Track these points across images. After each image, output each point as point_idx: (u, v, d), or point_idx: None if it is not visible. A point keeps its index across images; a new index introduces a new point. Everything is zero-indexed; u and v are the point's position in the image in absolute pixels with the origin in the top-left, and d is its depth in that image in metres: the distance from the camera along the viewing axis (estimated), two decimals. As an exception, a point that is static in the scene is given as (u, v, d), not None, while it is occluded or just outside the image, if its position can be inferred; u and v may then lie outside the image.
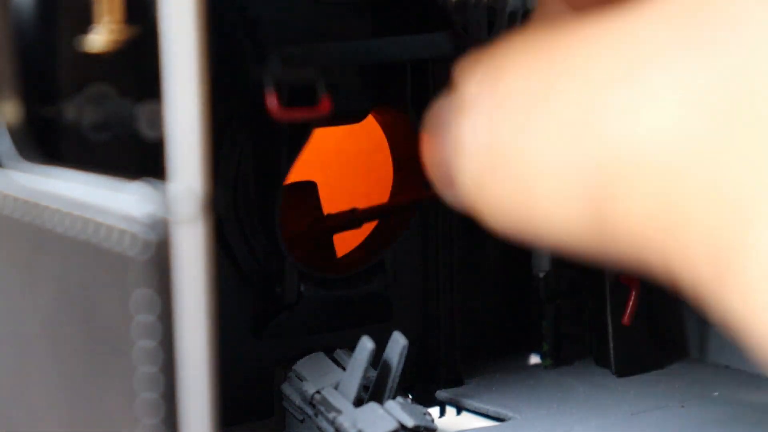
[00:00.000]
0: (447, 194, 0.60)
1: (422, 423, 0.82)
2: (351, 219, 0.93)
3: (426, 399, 0.95)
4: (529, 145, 0.52)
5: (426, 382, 0.96)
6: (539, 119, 0.52)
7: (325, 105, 0.82)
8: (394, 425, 0.81)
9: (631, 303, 0.95)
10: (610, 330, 0.96)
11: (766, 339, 0.44)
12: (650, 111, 0.47)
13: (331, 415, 0.83)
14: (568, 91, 0.51)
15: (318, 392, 0.85)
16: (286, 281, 0.88)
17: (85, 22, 0.74)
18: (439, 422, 0.93)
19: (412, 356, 0.87)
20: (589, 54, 0.51)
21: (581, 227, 0.51)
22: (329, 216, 0.93)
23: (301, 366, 0.89)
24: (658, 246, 0.47)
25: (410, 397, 0.94)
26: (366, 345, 0.83)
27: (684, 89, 0.46)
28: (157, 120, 0.73)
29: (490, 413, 0.92)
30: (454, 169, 0.58)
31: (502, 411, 0.91)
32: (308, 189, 0.93)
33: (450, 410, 0.96)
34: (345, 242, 0.96)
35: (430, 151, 0.60)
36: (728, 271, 0.44)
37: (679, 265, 0.47)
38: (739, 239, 0.44)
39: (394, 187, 0.95)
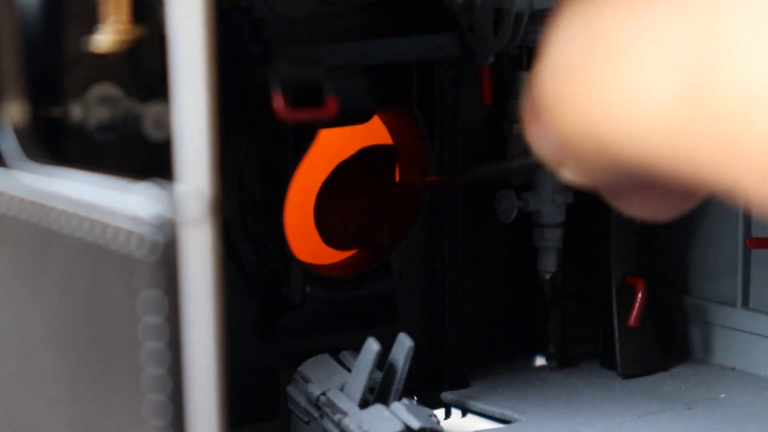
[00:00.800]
0: (529, 129, 0.57)
1: (428, 425, 0.82)
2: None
3: (431, 401, 0.95)
4: (630, 30, 0.50)
5: (431, 384, 0.96)
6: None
7: (331, 105, 0.82)
8: (399, 427, 0.81)
9: (637, 305, 0.95)
10: (616, 332, 0.96)
11: None
12: None
13: (337, 417, 0.82)
14: None
15: (323, 394, 0.85)
16: (291, 282, 0.88)
17: (91, 22, 0.74)
18: (444, 424, 0.93)
19: (417, 358, 0.87)
20: None
21: (671, 120, 0.47)
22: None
23: (307, 367, 0.89)
24: (755, 129, 0.44)
25: (416, 398, 0.93)
26: (372, 346, 0.83)
27: None
28: (164, 120, 0.73)
29: (495, 415, 0.92)
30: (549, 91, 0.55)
31: (507, 413, 0.91)
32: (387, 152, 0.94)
33: (455, 412, 0.95)
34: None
35: (529, 84, 0.57)
36: None
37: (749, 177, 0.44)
38: None
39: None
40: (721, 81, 0.45)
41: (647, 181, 0.55)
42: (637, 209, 0.60)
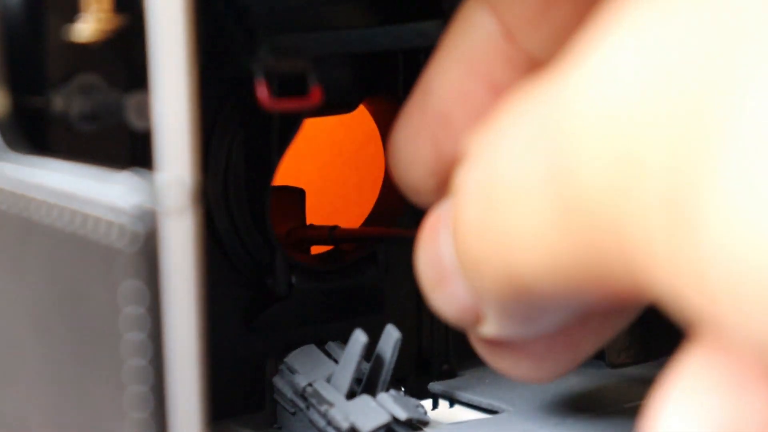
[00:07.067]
0: (438, 297, 0.61)
1: (415, 415, 0.81)
2: (329, 237, 0.92)
3: (419, 391, 0.95)
4: (503, 169, 0.53)
5: (419, 375, 0.96)
6: (507, 143, 0.53)
7: (315, 95, 0.81)
8: (386, 418, 0.80)
9: (625, 294, 0.95)
10: (603, 321, 0.96)
11: (714, 300, 0.42)
12: (597, 75, 0.47)
13: (323, 408, 0.82)
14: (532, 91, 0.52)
15: (310, 385, 0.85)
16: (277, 273, 0.87)
17: (72, 11, 0.73)
18: (432, 414, 0.93)
19: (405, 349, 0.86)
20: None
21: (556, 243, 0.50)
22: (310, 227, 0.93)
23: (293, 358, 0.88)
24: (617, 221, 0.46)
25: (403, 389, 0.93)
26: (359, 338, 0.82)
27: (640, 45, 0.45)
28: (146, 110, 0.73)
29: (483, 405, 0.91)
30: (448, 259, 0.59)
31: (495, 403, 0.90)
32: (295, 195, 0.93)
33: (443, 403, 0.95)
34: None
35: (423, 255, 0.62)
36: (683, 229, 0.42)
37: (637, 243, 0.45)
38: (693, 188, 0.42)
39: (385, 177, 0.95)
40: (576, 188, 0.48)
41: (565, 321, 0.59)
42: (545, 367, 0.65)
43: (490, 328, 0.62)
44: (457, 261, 0.58)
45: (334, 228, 0.92)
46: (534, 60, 0.65)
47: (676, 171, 0.42)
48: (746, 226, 0.39)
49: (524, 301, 0.56)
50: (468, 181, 0.56)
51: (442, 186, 0.67)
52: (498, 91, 0.66)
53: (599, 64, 0.47)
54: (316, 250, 0.95)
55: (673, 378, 0.48)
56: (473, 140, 0.57)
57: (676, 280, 0.43)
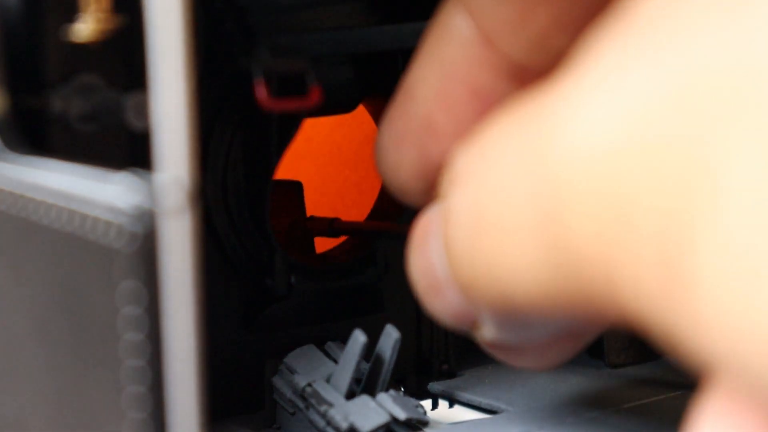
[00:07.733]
0: (433, 304, 0.61)
1: (414, 416, 0.81)
2: (330, 229, 0.92)
3: (419, 391, 0.95)
4: (493, 200, 0.53)
5: (419, 375, 0.96)
6: (496, 173, 0.52)
7: (315, 95, 0.81)
8: (385, 418, 0.80)
9: (624, 294, 0.95)
10: (603, 321, 0.96)
11: (714, 349, 0.42)
12: (589, 122, 0.46)
13: (323, 408, 0.82)
14: (515, 135, 0.51)
15: (309, 385, 0.85)
16: (276, 273, 0.87)
17: (71, 11, 0.73)
18: (431, 415, 0.93)
19: (404, 349, 0.86)
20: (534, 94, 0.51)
21: (545, 273, 0.50)
22: (310, 219, 0.93)
23: (292, 358, 0.88)
24: (607, 264, 0.46)
25: (402, 389, 0.93)
26: (359, 338, 0.82)
27: (628, 92, 0.45)
28: (145, 110, 0.73)
29: (482, 405, 0.91)
30: (441, 268, 0.59)
31: (494, 403, 0.90)
32: (294, 188, 0.93)
33: (443, 403, 0.95)
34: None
35: (416, 262, 0.62)
36: (677, 279, 0.43)
37: (628, 285, 0.45)
38: (687, 242, 0.42)
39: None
40: (567, 238, 0.48)
41: (563, 328, 0.59)
42: (549, 358, 0.65)
43: (488, 333, 0.62)
44: (451, 275, 0.58)
45: (334, 220, 0.92)
46: (515, 64, 0.64)
47: (668, 222, 0.42)
48: (740, 280, 0.40)
49: (518, 316, 0.56)
50: (457, 203, 0.56)
51: (430, 188, 0.67)
52: (481, 95, 0.65)
53: (586, 106, 0.46)
54: (316, 250, 0.95)
55: (695, 422, 0.47)
56: (461, 155, 0.57)
57: (673, 328, 0.44)
